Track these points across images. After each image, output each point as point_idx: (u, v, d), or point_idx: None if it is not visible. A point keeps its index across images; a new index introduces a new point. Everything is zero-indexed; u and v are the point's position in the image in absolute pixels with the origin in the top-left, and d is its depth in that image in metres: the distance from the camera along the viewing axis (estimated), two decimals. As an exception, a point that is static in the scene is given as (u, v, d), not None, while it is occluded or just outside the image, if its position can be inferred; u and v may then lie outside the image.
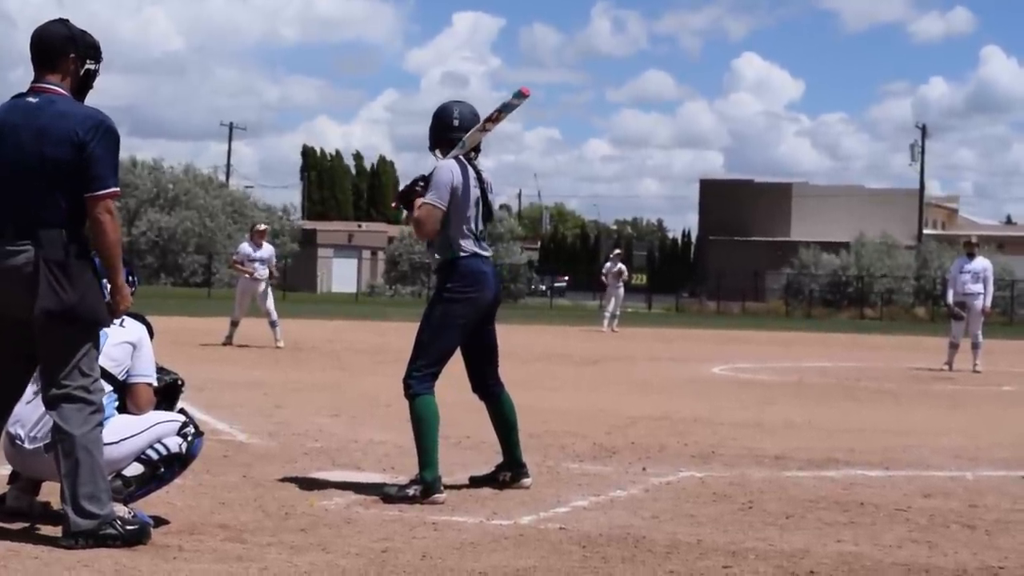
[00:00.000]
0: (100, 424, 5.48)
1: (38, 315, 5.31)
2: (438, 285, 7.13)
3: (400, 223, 71.96)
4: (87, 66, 5.55)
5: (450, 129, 7.14)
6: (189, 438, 5.92)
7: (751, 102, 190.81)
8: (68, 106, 5.45)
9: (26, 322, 5.37)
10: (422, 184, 7.04)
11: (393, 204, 7.54)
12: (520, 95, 6.98)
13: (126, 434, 5.80)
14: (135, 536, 5.40)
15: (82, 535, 5.32)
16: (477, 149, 7.22)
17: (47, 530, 5.63)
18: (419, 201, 6.99)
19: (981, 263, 19.23)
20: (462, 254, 7.02)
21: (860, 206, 73.18)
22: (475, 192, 7.08)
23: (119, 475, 5.75)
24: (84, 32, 5.58)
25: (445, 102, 7.28)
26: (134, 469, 5.79)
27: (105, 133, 5.40)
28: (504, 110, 7.01)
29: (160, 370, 6.18)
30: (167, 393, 6.22)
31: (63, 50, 5.50)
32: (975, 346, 18.90)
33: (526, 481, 7.29)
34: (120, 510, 5.55)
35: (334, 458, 8.29)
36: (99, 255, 5.44)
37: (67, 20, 5.60)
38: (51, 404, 5.43)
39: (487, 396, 7.35)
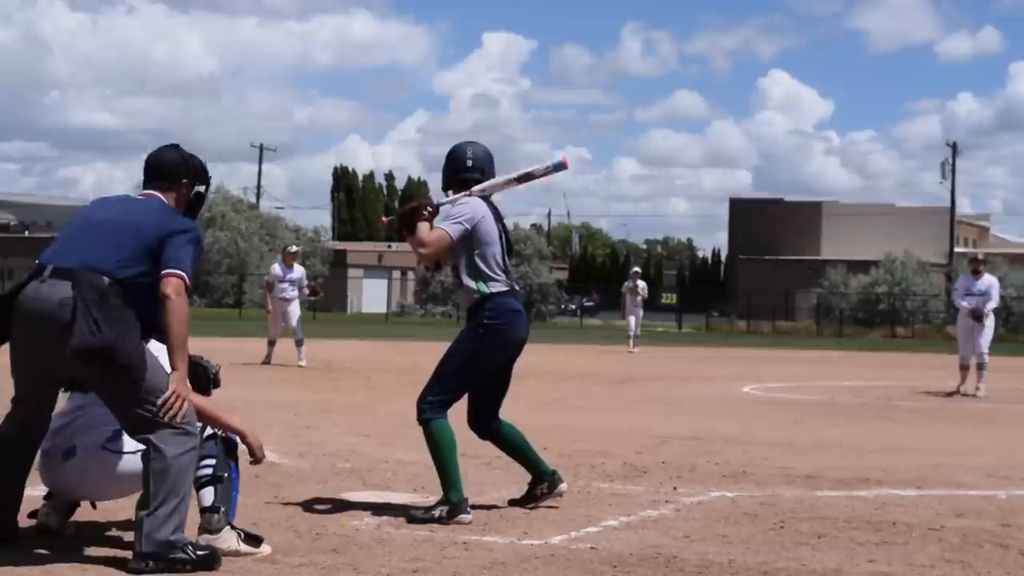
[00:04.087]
0: (194, 449, 5.50)
1: (68, 354, 5.36)
2: (471, 320, 7.14)
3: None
4: (197, 189, 5.93)
5: (464, 170, 7.21)
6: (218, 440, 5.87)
7: (780, 121, 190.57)
8: (167, 209, 5.76)
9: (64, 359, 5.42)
10: (430, 209, 7.08)
11: (385, 219, 7.54)
12: (561, 166, 7.15)
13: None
14: (206, 561, 5.41)
15: (152, 557, 5.33)
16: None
17: (64, 554, 5.65)
18: (426, 225, 7.03)
19: (987, 282, 18.46)
20: (496, 290, 7.06)
21: (890, 225, 72.86)
22: (497, 227, 7.14)
23: (204, 510, 5.71)
24: (194, 157, 5.99)
25: (458, 143, 7.35)
26: (209, 495, 5.74)
27: (192, 237, 5.63)
28: (543, 174, 7.16)
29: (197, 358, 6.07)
30: (197, 377, 6.08)
31: (176, 176, 5.88)
32: (980, 367, 18.08)
33: (563, 486, 7.35)
34: (230, 539, 5.61)
35: (365, 478, 8.31)
36: (164, 334, 5.52)
37: (179, 145, 6.02)
38: (140, 430, 5.46)
39: (489, 433, 7.37)
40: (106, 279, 5.41)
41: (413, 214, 7.10)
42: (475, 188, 7.14)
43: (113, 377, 5.42)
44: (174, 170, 5.87)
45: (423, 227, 7.02)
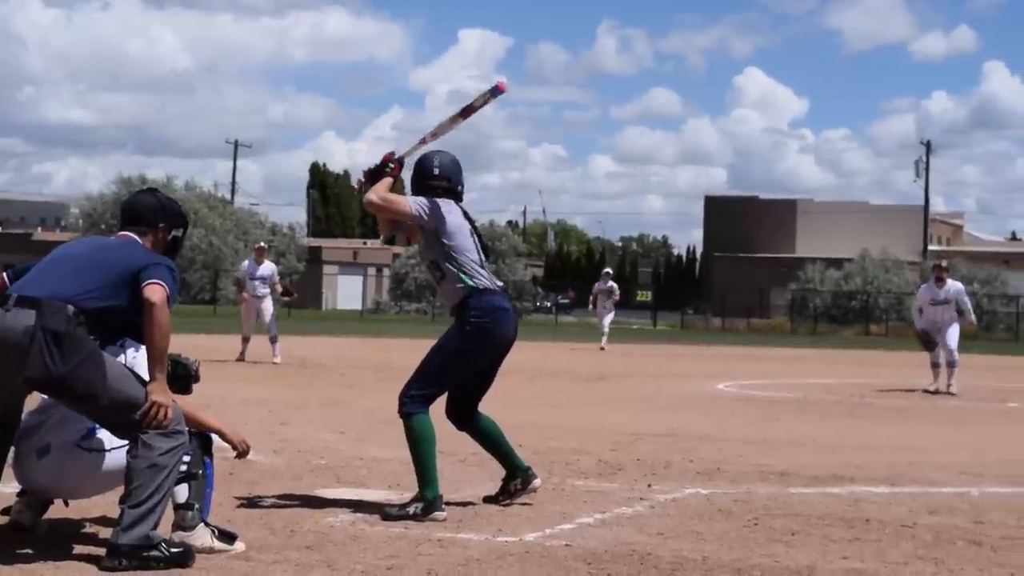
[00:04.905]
0: (182, 446, 5.49)
1: (20, 384, 5.36)
2: (458, 318, 7.10)
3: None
4: (174, 233, 5.94)
5: (432, 177, 7.18)
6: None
7: (755, 119, 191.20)
8: (142, 248, 5.75)
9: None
10: (392, 166, 7.06)
11: (357, 184, 7.37)
12: (496, 90, 7.06)
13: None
14: (180, 558, 5.39)
15: (125, 555, 5.30)
16: (460, 196, 7.25)
17: (37, 552, 5.63)
18: (387, 182, 6.98)
19: (950, 288, 18.26)
20: (482, 285, 7.05)
21: (865, 222, 73.11)
22: (466, 225, 7.14)
23: (178, 507, 5.69)
24: (171, 201, 6.02)
25: (426, 152, 7.30)
26: (183, 492, 5.70)
27: (169, 265, 5.63)
28: (483, 103, 7.09)
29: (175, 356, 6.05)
30: (177, 376, 6.04)
31: (153, 221, 5.88)
32: (951, 364, 17.95)
33: (536, 482, 7.35)
34: (204, 536, 5.59)
35: (339, 475, 8.30)
36: (145, 344, 5.50)
37: (156, 190, 6.06)
38: (126, 434, 5.45)
39: (468, 426, 7.36)
40: (71, 307, 5.38)
41: (378, 173, 7.06)
42: (427, 133, 7.11)
43: (78, 402, 5.44)
44: (150, 216, 5.88)
45: (385, 183, 7.01)
